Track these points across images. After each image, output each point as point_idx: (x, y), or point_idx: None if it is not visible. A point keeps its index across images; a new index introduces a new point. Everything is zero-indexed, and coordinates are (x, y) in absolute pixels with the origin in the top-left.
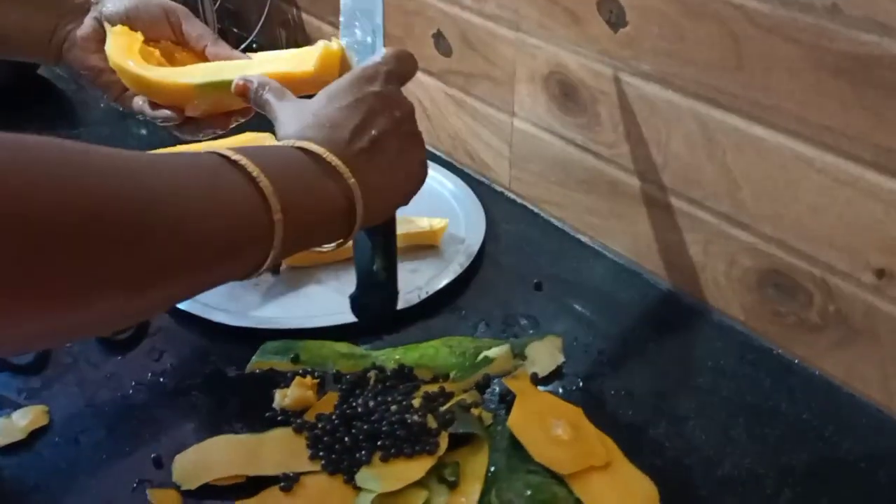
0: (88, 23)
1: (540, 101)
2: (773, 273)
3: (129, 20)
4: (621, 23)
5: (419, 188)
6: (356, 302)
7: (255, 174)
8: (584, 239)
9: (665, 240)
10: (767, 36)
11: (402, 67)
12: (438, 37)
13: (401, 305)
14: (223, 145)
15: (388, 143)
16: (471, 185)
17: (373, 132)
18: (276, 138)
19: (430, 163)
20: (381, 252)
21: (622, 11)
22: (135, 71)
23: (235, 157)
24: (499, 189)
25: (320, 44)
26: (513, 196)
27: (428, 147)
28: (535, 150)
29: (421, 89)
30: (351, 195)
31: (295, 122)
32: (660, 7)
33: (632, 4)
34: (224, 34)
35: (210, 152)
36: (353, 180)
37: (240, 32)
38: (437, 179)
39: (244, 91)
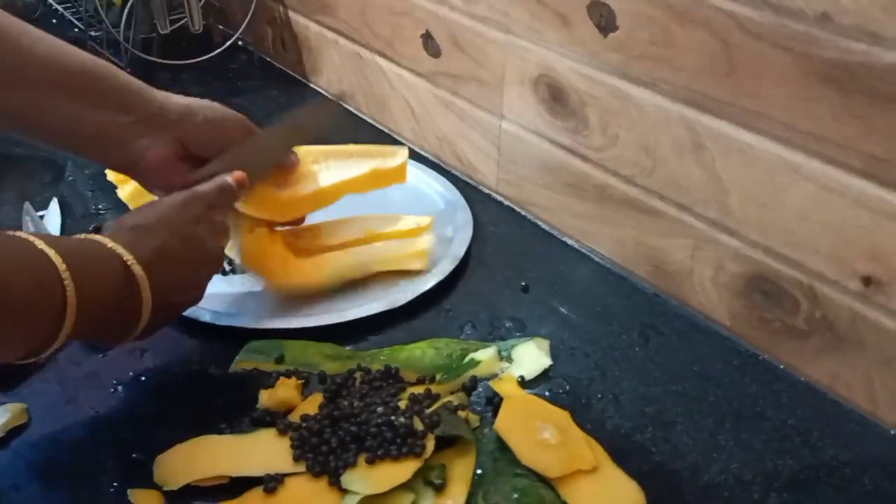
0: (168, 139)
1: (529, 104)
2: (760, 279)
3: (215, 140)
4: (611, 27)
5: (186, 308)
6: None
7: (50, 255)
8: (571, 242)
9: (652, 244)
10: (757, 43)
11: (219, 201)
12: (427, 38)
13: (389, 306)
14: None
15: (178, 267)
16: (458, 186)
17: (170, 253)
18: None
19: (418, 164)
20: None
21: (612, 15)
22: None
23: (41, 245)
24: (486, 191)
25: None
26: (500, 198)
27: (415, 148)
28: (524, 152)
29: (409, 90)
30: (138, 298)
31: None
32: (650, 12)
33: (622, 9)
34: (209, 32)
35: (30, 243)
36: (146, 283)
37: (225, 30)
38: (425, 181)
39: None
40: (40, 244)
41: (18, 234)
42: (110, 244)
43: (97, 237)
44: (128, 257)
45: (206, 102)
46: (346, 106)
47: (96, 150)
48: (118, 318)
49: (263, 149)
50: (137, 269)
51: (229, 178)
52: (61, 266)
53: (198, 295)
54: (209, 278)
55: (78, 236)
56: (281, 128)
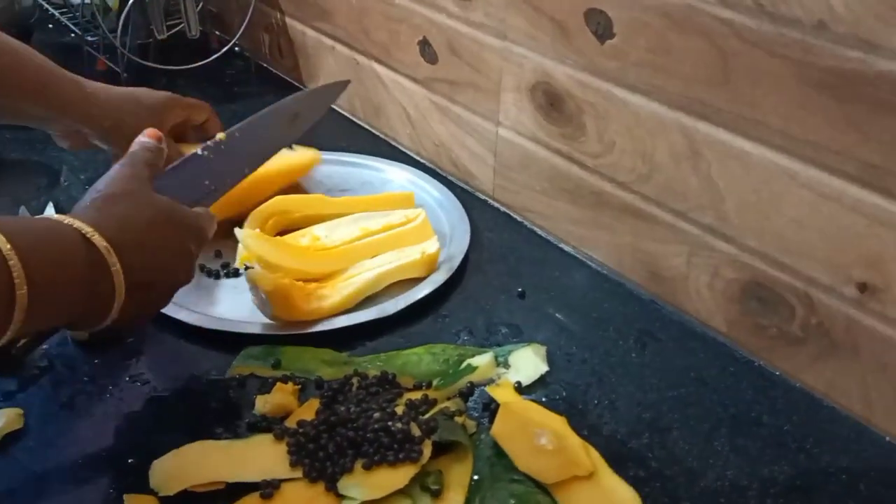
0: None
1: (526, 111)
2: (756, 285)
3: (160, 116)
4: (608, 35)
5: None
6: None
7: (15, 276)
8: (567, 248)
9: (648, 250)
10: (754, 50)
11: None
12: (424, 44)
13: (385, 313)
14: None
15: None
16: (454, 192)
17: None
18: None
19: (415, 170)
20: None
21: (609, 23)
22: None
23: (3, 247)
24: (482, 197)
25: (433, 247)
26: (497, 204)
27: (411, 154)
28: (520, 158)
29: (405, 96)
30: (110, 302)
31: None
32: (647, 20)
33: (619, 17)
34: (206, 38)
35: None
36: (117, 268)
37: (222, 35)
38: (421, 186)
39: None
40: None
41: None
42: (67, 220)
43: (54, 216)
44: (87, 230)
45: (147, 93)
46: (341, 112)
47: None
48: (89, 297)
49: (260, 132)
50: (99, 240)
51: (144, 137)
52: (5, 246)
53: (183, 275)
54: (188, 255)
55: (34, 217)
56: (277, 111)
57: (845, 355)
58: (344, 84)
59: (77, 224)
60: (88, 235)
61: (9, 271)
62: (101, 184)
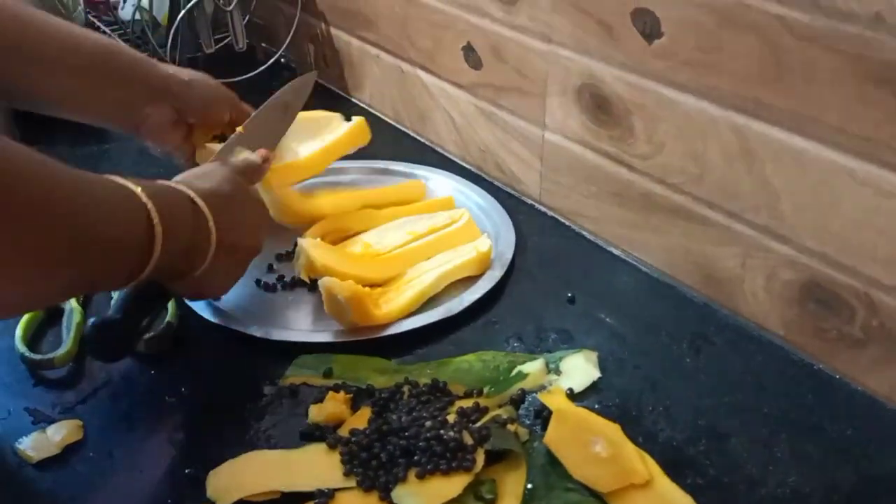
0: (167, 109)
1: (572, 113)
2: (815, 287)
3: (205, 112)
4: (656, 34)
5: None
6: (92, 335)
7: (153, 216)
8: (616, 252)
9: (701, 252)
10: (808, 46)
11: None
12: (468, 50)
13: (434, 319)
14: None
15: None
16: (500, 197)
17: (233, 210)
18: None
19: (457, 177)
20: (144, 305)
21: (657, 23)
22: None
23: (144, 198)
24: (529, 202)
25: (486, 244)
26: (544, 209)
27: (456, 160)
28: (567, 162)
29: (450, 102)
30: (206, 232)
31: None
32: (696, 18)
33: (667, 15)
34: (253, 50)
35: (127, 186)
36: (212, 224)
37: (268, 47)
38: (464, 193)
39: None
40: (131, 186)
41: (111, 177)
42: (179, 185)
43: (166, 182)
44: (191, 193)
45: (203, 79)
46: (387, 120)
47: (106, 119)
48: (190, 248)
49: (264, 124)
50: (200, 202)
51: (255, 156)
52: (137, 189)
53: (256, 243)
54: (261, 228)
55: (156, 182)
56: (275, 104)
57: None
58: (313, 75)
59: (181, 187)
60: (193, 197)
61: (146, 209)
62: (201, 170)
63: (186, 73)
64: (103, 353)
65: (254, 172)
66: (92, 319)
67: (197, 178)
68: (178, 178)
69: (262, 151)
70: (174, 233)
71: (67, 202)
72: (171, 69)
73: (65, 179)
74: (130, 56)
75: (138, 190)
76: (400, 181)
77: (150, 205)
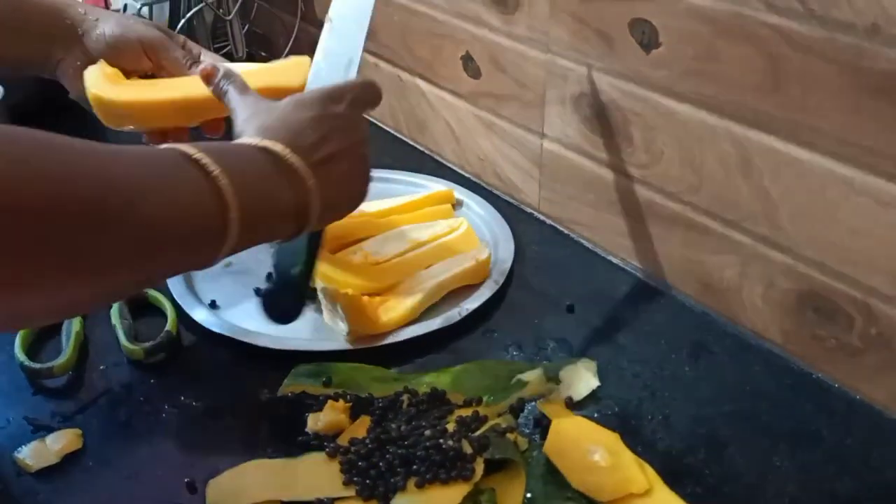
0: (76, 54)
1: (570, 123)
2: (813, 296)
3: (111, 54)
4: (654, 44)
5: (358, 205)
6: (269, 299)
7: (215, 173)
8: (615, 260)
9: (699, 261)
10: (805, 56)
11: (367, 96)
12: (467, 59)
13: (432, 328)
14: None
15: (341, 160)
16: (499, 206)
17: (331, 147)
18: (234, 130)
19: (456, 186)
20: (304, 257)
21: (655, 32)
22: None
23: (197, 155)
24: (528, 210)
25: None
26: (543, 217)
27: (456, 169)
28: (566, 171)
29: (449, 111)
30: (306, 199)
31: (256, 119)
32: (694, 28)
33: (665, 25)
34: (252, 58)
35: (173, 148)
36: (312, 181)
37: (268, 56)
38: (463, 201)
39: (209, 76)
40: (211, 165)
41: (171, 146)
42: (240, 140)
43: (248, 141)
44: (251, 141)
45: (119, 18)
46: (386, 128)
47: (25, 65)
48: (287, 215)
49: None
50: (268, 143)
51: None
52: (228, 189)
53: (352, 133)
54: (356, 115)
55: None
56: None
57: None
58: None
59: (241, 140)
60: (255, 143)
61: (223, 199)
62: (253, 118)
63: (101, 12)
64: (292, 309)
65: (371, 96)
66: (267, 286)
67: (243, 126)
68: (265, 124)
69: (205, 68)
70: (252, 187)
71: (121, 192)
72: (87, 9)
73: (114, 163)
74: (44, 1)
75: (185, 148)
76: (401, 189)
77: (204, 159)
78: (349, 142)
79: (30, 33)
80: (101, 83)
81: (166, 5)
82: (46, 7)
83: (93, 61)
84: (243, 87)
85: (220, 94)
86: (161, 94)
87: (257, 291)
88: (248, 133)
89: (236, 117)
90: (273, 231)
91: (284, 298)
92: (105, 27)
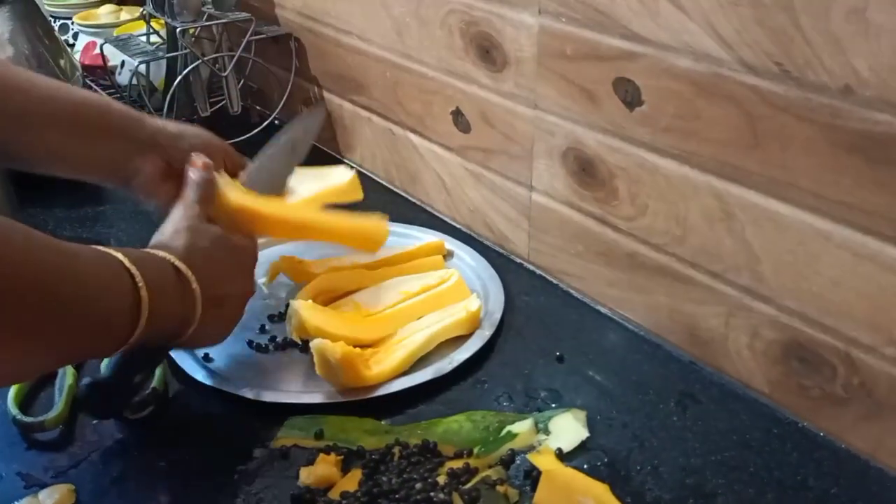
0: (156, 161)
1: (558, 176)
2: (797, 346)
3: (183, 158)
4: (636, 102)
5: (215, 345)
6: (85, 394)
7: (140, 285)
8: (604, 310)
9: (686, 311)
10: (782, 115)
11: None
12: (457, 114)
13: (423, 379)
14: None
15: (230, 303)
16: (489, 256)
17: (226, 289)
18: (164, 217)
19: (447, 237)
20: (136, 364)
21: (637, 91)
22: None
23: (131, 267)
24: (518, 260)
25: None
26: (532, 268)
27: (447, 220)
28: (554, 222)
29: (440, 163)
30: (189, 321)
31: (187, 234)
32: (674, 87)
33: (647, 85)
34: (247, 113)
35: (115, 256)
36: (200, 312)
37: (262, 110)
38: (454, 252)
39: (193, 164)
40: (115, 253)
41: (94, 247)
42: (157, 252)
43: (145, 249)
44: (171, 257)
45: (193, 130)
46: (378, 180)
47: (97, 174)
48: (178, 312)
49: (272, 164)
50: (182, 266)
51: (194, 174)
52: (125, 260)
53: (245, 288)
54: (248, 271)
55: (137, 250)
56: (280, 143)
57: (890, 415)
58: (321, 110)
59: (160, 253)
60: (173, 261)
61: (131, 276)
62: (170, 228)
63: (175, 125)
64: (95, 412)
65: (205, 189)
66: (85, 379)
67: (171, 238)
68: (153, 242)
69: (200, 162)
70: (160, 298)
71: (51, 275)
72: (160, 122)
73: (47, 252)
74: (119, 111)
75: (120, 256)
76: (393, 240)
77: (134, 270)
78: (242, 290)
79: (114, 136)
80: (243, 196)
81: (163, 62)
82: (130, 114)
83: (168, 168)
84: (203, 199)
85: (186, 182)
86: (309, 214)
87: (250, 343)
88: (174, 241)
89: (174, 212)
90: (160, 335)
91: (98, 398)
92: (187, 138)
